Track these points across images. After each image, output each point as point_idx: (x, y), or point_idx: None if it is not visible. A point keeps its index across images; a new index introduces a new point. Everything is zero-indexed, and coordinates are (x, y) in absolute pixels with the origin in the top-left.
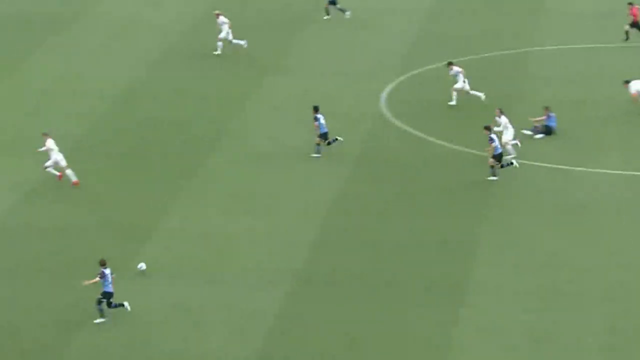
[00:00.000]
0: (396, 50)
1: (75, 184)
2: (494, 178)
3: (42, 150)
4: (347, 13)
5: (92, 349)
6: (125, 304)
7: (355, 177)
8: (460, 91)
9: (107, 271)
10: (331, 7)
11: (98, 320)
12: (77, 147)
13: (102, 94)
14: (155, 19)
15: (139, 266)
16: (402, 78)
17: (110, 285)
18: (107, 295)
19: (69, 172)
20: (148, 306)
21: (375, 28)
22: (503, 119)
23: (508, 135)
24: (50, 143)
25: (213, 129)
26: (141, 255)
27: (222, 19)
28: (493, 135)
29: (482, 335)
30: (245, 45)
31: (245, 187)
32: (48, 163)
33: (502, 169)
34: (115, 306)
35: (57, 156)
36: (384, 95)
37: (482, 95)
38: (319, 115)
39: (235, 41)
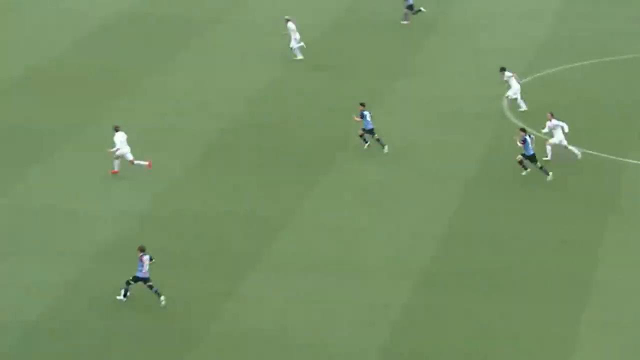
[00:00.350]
0: (521, 52)
1: (114, 172)
2: (527, 171)
3: (117, 144)
4: (422, 9)
5: (229, 336)
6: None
7: (480, 177)
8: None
9: (145, 257)
10: (408, 12)
11: (119, 297)
12: (216, 143)
13: (240, 94)
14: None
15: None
16: (525, 80)
17: (142, 271)
18: (136, 279)
19: (116, 162)
20: (281, 297)
21: (501, 30)
22: (553, 123)
23: (555, 139)
24: (119, 136)
25: (346, 127)
26: (274, 247)
27: (290, 25)
28: (527, 137)
29: (606, 333)
30: (301, 50)
31: (375, 183)
32: (129, 157)
33: (542, 170)
34: (126, 288)
35: (124, 149)
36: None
37: (524, 106)
38: (365, 112)
39: (297, 45)
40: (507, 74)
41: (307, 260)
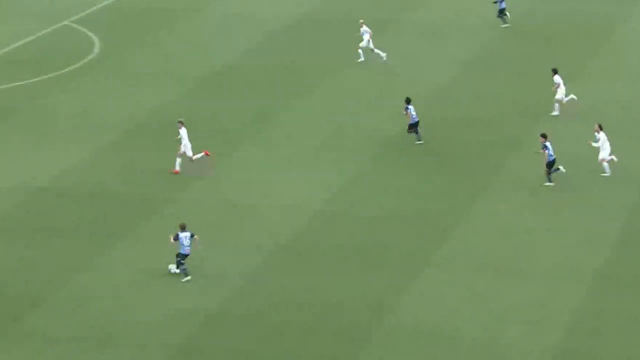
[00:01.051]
0: None
1: (175, 172)
2: (551, 184)
3: (178, 138)
4: (506, 24)
5: (401, 330)
6: (188, 277)
7: None
8: (560, 101)
9: (183, 235)
10: (502, 16)
11: (184, 279)
12: (390, 143)
13: (416, 95)
14: (468, 20)
15: (169, 268)
16: None
17: (186, 248)
18: (181, 256)
19: (178, 160)
20: (451, 294)
21: None
22: (602, 135)
23: (604, 153)
24: (183, 132)
25: (518, 129)
26: (445, 246)
27: (364, 28)
28: (547, 144)
29: None
30: (385, 58)
31: (544, 186)
32: (189, 153)
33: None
34: (181, 268)
35: (187, 144)
36: None
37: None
38: (410, 107)
39: (376, 50)
40: (556, 77)
41: (478, 260)
